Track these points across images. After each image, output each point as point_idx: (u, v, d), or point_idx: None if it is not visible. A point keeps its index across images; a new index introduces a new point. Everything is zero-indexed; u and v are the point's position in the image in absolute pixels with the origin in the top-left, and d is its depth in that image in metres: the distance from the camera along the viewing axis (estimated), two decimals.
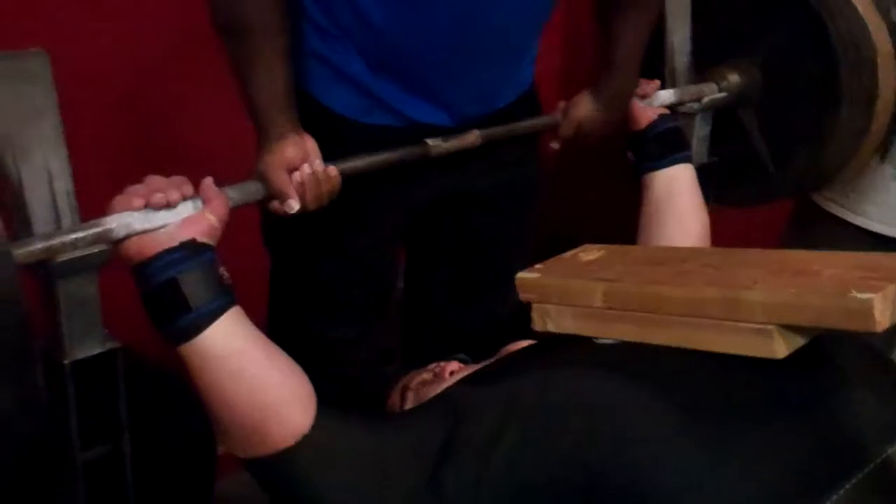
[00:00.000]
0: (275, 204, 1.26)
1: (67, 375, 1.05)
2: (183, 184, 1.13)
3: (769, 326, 1.03)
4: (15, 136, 1.02)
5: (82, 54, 1.67)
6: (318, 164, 1.27)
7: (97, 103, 1.75)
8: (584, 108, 1.55)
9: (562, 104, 1.58)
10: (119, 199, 1.09)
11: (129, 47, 1.83)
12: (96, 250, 1.04)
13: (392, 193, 1.45)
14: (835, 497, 0.91)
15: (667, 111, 1.65)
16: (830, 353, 1.08)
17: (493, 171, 1.55)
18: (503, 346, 1.32)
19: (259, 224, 1.53)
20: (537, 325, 1.23)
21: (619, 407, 1.00)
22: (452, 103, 1.43)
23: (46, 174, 1.03)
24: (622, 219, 1.63)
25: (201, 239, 1.10)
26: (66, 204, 1.05)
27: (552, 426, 1.00)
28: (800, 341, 1.04)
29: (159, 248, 1.07)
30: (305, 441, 1.06)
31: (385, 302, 1.65)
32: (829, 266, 1.09)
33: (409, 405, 1.28)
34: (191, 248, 1.08)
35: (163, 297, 1.05)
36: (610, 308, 1.16)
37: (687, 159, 1.60)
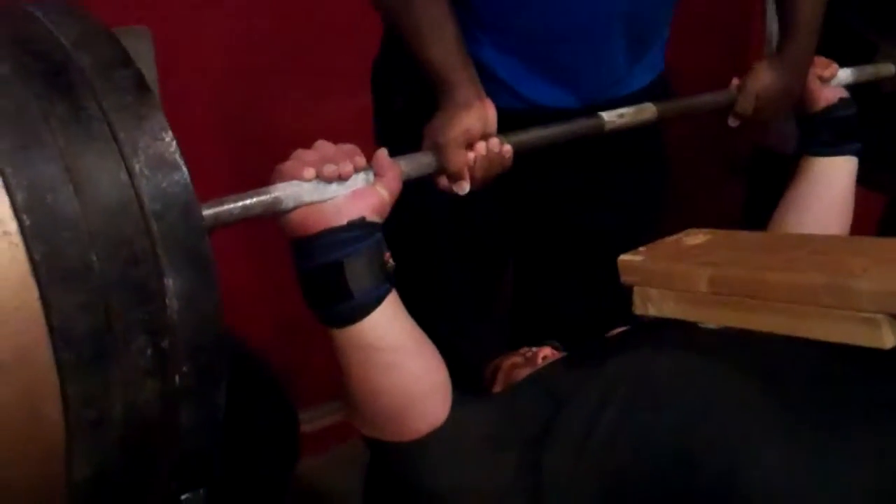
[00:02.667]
0: (443, 181, 1.18)
1: None
2: (355, 154, 1.04)
3: (877, 315, 1.01)
4: None
5: (182, 35, 1.69)
6: (495, 142, 1.18)
7: (193, 84, 1.76)
8: (763, 78, 1.47)
9: (735, 80, 1.51)
10: (288, 167, 1.01)
11: (231, 30, 1.85)
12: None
13: (510, 182, 1.37)
14: None
15: (846, 94, 1.57)
16: None
17: (618, 165, 1.52)
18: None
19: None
20: (638, 309, 1.21)
21: (720, 395, 1.00)
22: (580, 85, 1.39)
23: None
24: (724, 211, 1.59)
25: (370, 217, 1.02)
26: None
27: (651, 411, 1.00)
28: None
29: (326, 225, 1.00)
30: (438, 432, 1.06)
31: (493, 296, 1.64)
32: None
33: (497, 387, 1.27)
34: (359, 229, 1.01)
35: (323, 279, 1.00)
36: (715, 293, 1.14)
37: (855, 152, 1.53)
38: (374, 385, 1.05)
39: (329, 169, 1.00)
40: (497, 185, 1.24)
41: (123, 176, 0.73)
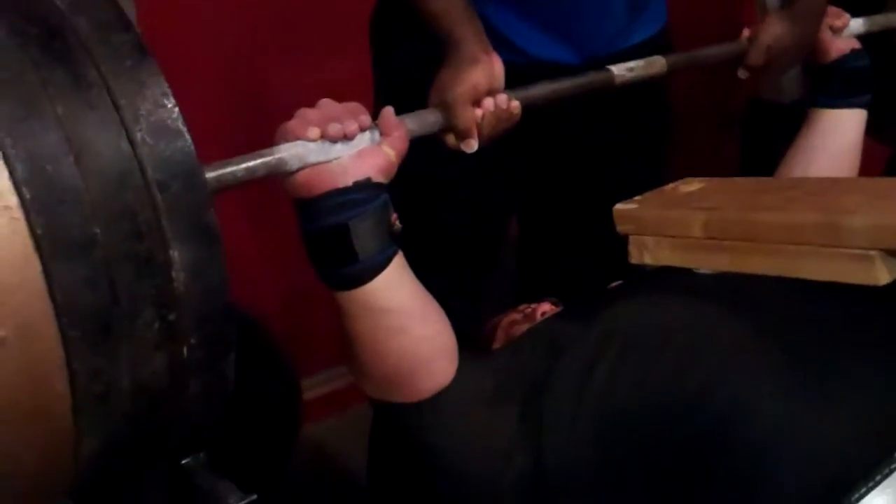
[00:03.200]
0: (450, 139, 1.15)
1: None
2: (360, 113, 1.01)
3: (871, 252, 1.00)
4: None
5: None
6: (503, 98, 1.15)
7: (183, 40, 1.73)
8: (774, 29, 1.43)
9: (746, 31, 1.48)
10: (291, 126, 0.98)
11: None
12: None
13: (513, 139, 1.35)
14: None
15: (859, 45, 1.53)
16: None
17: (622, 118, 1.50)
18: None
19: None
20: (634, 258, 1.21)
21: (716, 338, 0.99)
22: (581, 39, 1.36)
23: None
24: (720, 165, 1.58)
25: (376, 178, 1.00)
26: None
27: (650, 351, 1.00)
28: None
29: (331, 186, 0.97)
30: (444, 392, 1.05)
31: (494, 252, 1.62)
32: None
33: (497, 344, 1.26)
34: (365, 191, 0.98)
35: (329, 242, 0.98)
36: (709, 238, 1.13)
37: (865, 104, 1.50)
38: (381, 348, 1.04)
39: (334, 128, 0.98)
40: (501, 138, 1.21)
41: (125, 145, 0.71)
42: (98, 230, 0.69)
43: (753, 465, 0.90)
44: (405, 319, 1.03)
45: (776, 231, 1.09)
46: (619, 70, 1.28)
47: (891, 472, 0.85)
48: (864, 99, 1.49)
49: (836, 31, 1.50)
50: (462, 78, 1.13)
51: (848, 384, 0.94)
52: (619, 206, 1.23)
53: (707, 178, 1.33)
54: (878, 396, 0.93)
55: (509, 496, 1.04)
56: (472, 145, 1.14)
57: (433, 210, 1.47)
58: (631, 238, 1.21)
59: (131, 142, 0.71)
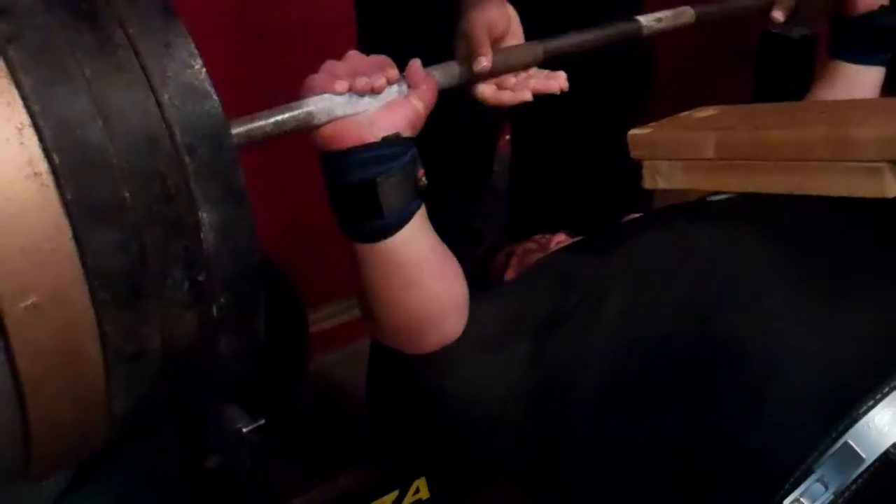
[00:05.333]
0: (480, 91, 1.12)
1: None
2: (387, 66, 0.99)
3: (880, 164, 0.99)
4: None
5: None
6: (519, 34, 1.12)
7: None
8: None
9: None
10: (318, 79, 0.96)
11: None
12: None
13: None
14: None
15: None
16: None
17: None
18: (612, 220, 1.30)
19: None
20: (647, 183, 1.20)
21: (731, 256, 1.00)
22: None
23: None
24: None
25: (405, 132, 0.98)
26: None
27: (663, 277, 1.00)
28: None
29: (359, 141, 0.95)
30: (455, 345, 1.06)
31: (480, 180, 1.62)
32: None
33: (511, 271, 1.28)
34: (393, 146, 0.97)
35: (354, 197, 0.97)
36: (721, 159, 1.13)
37: (885, 62, 1.45)
38: (395, 299, 1.04)
39: (362, 82, 0.96)
40: None
41: (153, 107, 0.71)
42: (127, 194, 0.69)
43: (762, 377, 0.90)
44: (420, 274, 1.03)
45: (786, 147, 1.08)
46: (647, 21, 1.25)
47: None
48: (885, 56, 1.45)
49: None
50: (472, 9, 1.10)
51: (858, 298, 0.94)
52: (633, 132, 1.22)
53: (721, 105, 1.32)
54: (888, 310, 0.93)
55: (517, 431, 1.06)
56: (483, 63, 1.08)
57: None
58: (645, 163, 1.20)
59: (159, 104, 0.71)
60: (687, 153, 1.17)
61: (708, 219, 1.11)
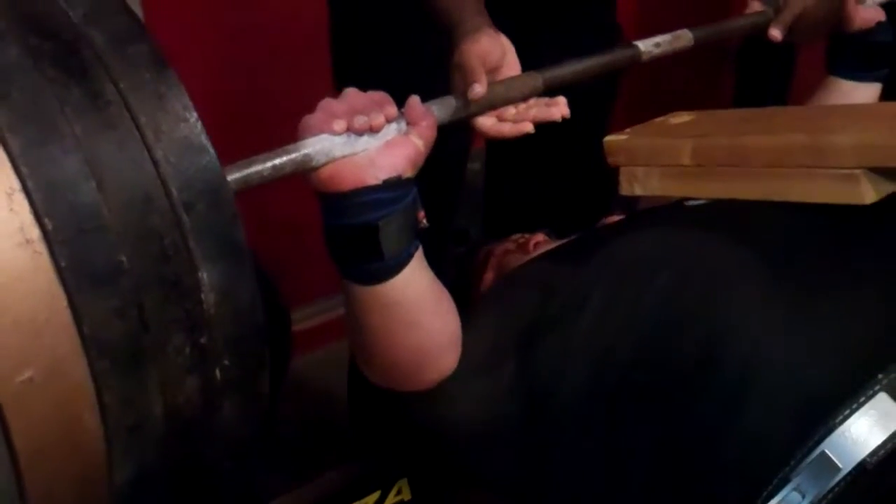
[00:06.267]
0: (481, 123, 1.11)
1: None
2: (386, 103, 0.97)
3: (856, 171, 1.00)
4: None
5: None
6: (515, 65, 1.12)
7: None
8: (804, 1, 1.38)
9: (755, 3, 1.45)
10: (315, 119, 0.93)
11: None
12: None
13: None
14: None
15: (884, 16, 1.46)
16: None
17: (576, 36, 1.47)
18: (589, 220, 1.31)
19: None
20: (624, 189, 1.22)
21: (703, 264, 1.00)
22: None
23: None
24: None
25: (406, 173, 0.95)
26: None
27: (640, 282, 1.00)
28: (890, 187, 1.02)
29: (359, 183, 0.93)
30: (450, 379, 1.05)
31: (458, 180, 1.61)
32: None
33: (490, 272, 1.28)
34: (395, 188, 0.94)
35: (355, 240, 0.95)
36: (698, 165, 1.14)
37: (882, 79, 1.46)
38: (394, 340, 1.02)
39: (360, 121, 0.93)
40: None
41: (148, 165, 0.68)
42: (124, 257, 0.66)
43: (740, 383, 0.90)
44: (419, 314, 1.01)
45: (763, 154, 1.09)
46: (646, 46, 1.25)
47: (875, 393, 0.86)
48: (882, 73, 1.45)
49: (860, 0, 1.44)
50: (466, 40, 1.09)
51: (836, 304, 0.94)
52: (609, 138, 1.24)
53: (697, 111, 1.33)
54: (865, 317, 0.93)
55: (511, 446, 1.05)
56: (477, 90, 1.06)
57: None
58: (622, 169, 1.22)
59: (154, 161, 0.68)
60: (663, 160, 1.18)
61: (685, 224, 1.11)
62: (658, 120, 1.33)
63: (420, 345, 1.03)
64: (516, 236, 1.34)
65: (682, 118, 1.31)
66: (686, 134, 1.19)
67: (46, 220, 0.63)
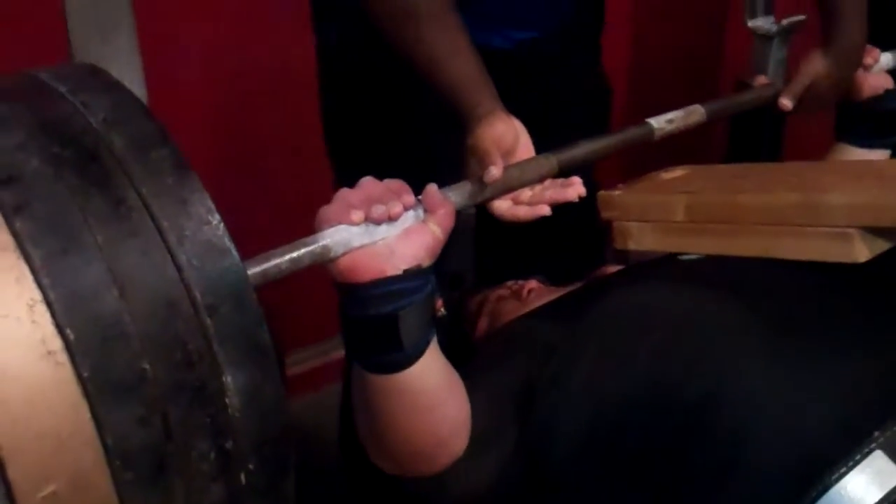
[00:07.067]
0: (498, 207, 1.11)
1: None
2: (403, 192, 0.96)
3: (849, 230, 1.01)
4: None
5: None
6: (529, 147, 1.12)
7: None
8: (815, 67, 1.39)
9: (762, 78, 1.49)
10: (332, 210, 0.92)
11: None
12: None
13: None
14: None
15: (892, 83, 1.48)
16: None
17: (568, 82, 1.53)
18: (581, 267, 1.32)
19: None
20: (618, 244, 1.23)
21: (698, 319, 1.00)
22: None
23: None
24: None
25: (425, 262, 0.95)
26: None
27: (631, 340, 1.00)
28: (883, 245, 1.02)
29: (379, 274, 0.92)
30: (460, 461, 1.03)
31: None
32: None
33: (484, 319, 1.28)
34: (415, 278, 0.93)
35: (374, 331, 0.94)
36: (691, 222, 1.15)
37: (890, 146, 1.46)
38: (409, 427, 1.00)
39: (378, 210, 0.93)
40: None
41: (171, 270, 0.67)
42: (147, 365, 0.65)
43: (732, 446, 0.90)
44: (436, 400, 1.00)
45: (756, 212, 1.10)
46: (659, 123, 1.25)
47: (870, 451, 0.86)
48: (891, 140, 1.46)
49: (867, 67, 1.45)
50: (481, 124, 1.10)
51: (829, 364, 0.94)
52: (603, 193, 1.25)
53: (689, 166, 1.35)
54: (860, 375, 0.93)
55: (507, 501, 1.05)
56: (493, 173, 1.06)
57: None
58: (615, 224, 1.23)
59: (177, 266, 0.67)
60: (657, 216, 1.19)
61: (678, 279, 1.11)
62: (650, 175, 1.34)
63: (436, 430, 1.02)
64: (510, 283, 1.33)
65: (674, 173, 1.33)
66: (679, 190, 1.21)
67: (68, 331, 0.63)
